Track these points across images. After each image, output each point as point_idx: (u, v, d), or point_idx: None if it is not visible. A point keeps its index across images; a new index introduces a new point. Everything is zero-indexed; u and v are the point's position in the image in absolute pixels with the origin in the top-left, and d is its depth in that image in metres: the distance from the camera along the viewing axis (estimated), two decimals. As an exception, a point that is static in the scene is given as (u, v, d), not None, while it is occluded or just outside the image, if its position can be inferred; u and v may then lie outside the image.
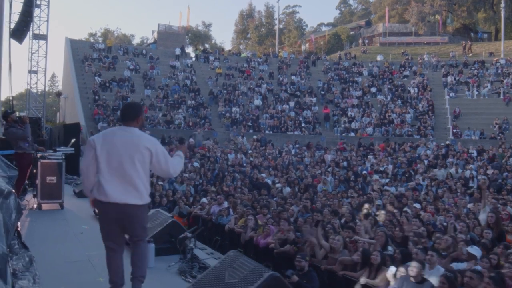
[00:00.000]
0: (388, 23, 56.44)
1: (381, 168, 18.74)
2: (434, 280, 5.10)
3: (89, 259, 5.22)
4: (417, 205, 10.65)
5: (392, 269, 5.58)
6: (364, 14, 74.05)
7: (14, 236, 4.98)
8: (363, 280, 5.68)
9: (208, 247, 7.10)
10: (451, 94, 32.34)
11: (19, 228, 5.35)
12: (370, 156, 21.47)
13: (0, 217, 3.95)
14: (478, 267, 5.51)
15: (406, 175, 17.73)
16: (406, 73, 36.82)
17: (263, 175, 15.59)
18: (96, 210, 4.33)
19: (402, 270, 5.31)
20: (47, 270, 4.62)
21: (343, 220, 9.19)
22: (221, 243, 9.18)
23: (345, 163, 20.03)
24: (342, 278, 6.17)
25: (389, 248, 6.79)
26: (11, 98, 18.31)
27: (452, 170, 17.88)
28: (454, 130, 27.95)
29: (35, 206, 8.08)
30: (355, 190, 14.46)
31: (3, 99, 26.50)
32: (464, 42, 45.60)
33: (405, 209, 10.33)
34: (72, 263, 5.05)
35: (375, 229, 7.81)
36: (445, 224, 9.22)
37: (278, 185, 14.99)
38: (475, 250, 6.06)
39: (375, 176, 16.93)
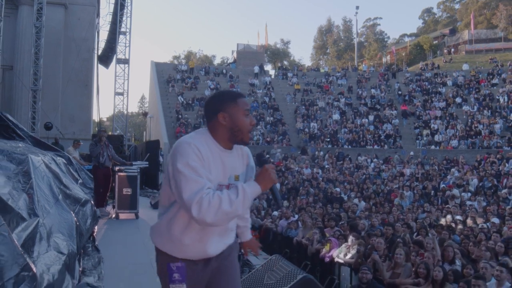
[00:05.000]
0: (474, 29, 53.62)
1: (465, 182, 17.85)
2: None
3: (151, 262, 5.62)
4: (496, 220, 10.10)
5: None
6: (450, 21, 70.75)
7: (89, 240, 5.51)
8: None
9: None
10: (545, 102, 30.13)
11: (94, 233, 5.95)
12: (453, 170, 20.53)
13: (74, 221, 4.42)
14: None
15: (493, 189, 16.77)
16: (495, 81, 34.74)
17: (338, 189, 15.51)
18: None
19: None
20: (112, 269, 5.16)
21: (415, 235, 8.96)
22: (290, 256, 9.29)
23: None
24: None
25: (457, 262, 6.56)
26: (104, 119, 20.06)
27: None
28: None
29: (113, 216, 8.86)
30: (434, 205, 13.95)
31: (97, 120, 28.80)
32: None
33: (481, 225, 9.81)
34: (135, 265, 5.60)
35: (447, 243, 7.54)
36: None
37: (355, 200, 14.81)
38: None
39: (455, 191, 16.18)
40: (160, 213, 2.46)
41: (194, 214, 2.11)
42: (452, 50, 52.98)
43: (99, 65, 20.41)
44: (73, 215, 4.38)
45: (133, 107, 74.69)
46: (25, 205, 3.42)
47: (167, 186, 2.33)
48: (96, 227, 6.21)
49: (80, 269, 4.31)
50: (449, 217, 11.05)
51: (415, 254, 6.73)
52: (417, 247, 7.16)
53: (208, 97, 2.45)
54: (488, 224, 10.26)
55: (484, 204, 14.00)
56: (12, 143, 5.98)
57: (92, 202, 5.81)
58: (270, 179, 2.25)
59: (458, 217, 11.17)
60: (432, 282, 5.80)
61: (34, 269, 2.54)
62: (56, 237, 3.71)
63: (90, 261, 4.83)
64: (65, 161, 6.54)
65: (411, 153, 25.70)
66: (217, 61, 66.59)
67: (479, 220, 10.63)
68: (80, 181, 6.78)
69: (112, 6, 19.92)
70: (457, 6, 69.43)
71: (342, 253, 7.46)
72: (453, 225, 10.17)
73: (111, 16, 20.28)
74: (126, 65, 19.18)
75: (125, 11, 19.34)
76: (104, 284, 4.42)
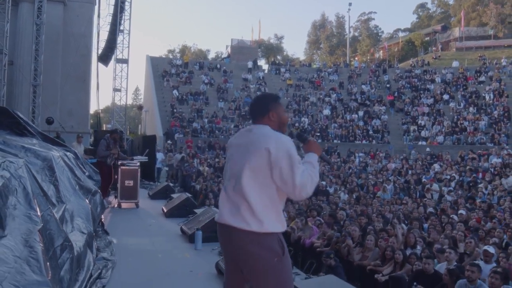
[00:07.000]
0: (465, 26, 54.31)
1: (445, 177, 18.83)
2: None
3: (152, 243, 6.86)
4: (463, 212, 11.09)
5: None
6: (444, 17, 71.08)
7: (98, 225, 6.44)
8: (385, 272, 6.52)
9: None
10: (529, 100, 31.10)
11: (102, 220, 6.93)
12: (435, 165, 21.53)
13: (89, 208, 5.31)
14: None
15: (471, 184, 17.74)
16: (482, 78, 35.59)
17: (323, 182, 16.43)
18: None
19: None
20: (120, 248, 6.16)
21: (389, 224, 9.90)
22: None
23: (409, 172, 20.32)
24: (370, 271, 7.03)
25: (418, 247, 7.54)
26: (99, 111, 21.02)
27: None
28: (531, 138, 26.98)
29: (116, 205, 9.88)
30: (412, 198, 14.93)
31: (92, 112, 29.59)
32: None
33: (452, 215, 10.79)
34: (138, 245, 6.69)
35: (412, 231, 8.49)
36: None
37: (339, 193, 15.78)
38: (491, 250, 6.66)
39: (435, 185, 17.17)
40: (255, 209, 2.65)
41: (309, 192, 2.67)
42: (440, 47, 53.59)
43: (98, 63, 21.36)
44: (88, 202, 5.28)
45: (128, 99, 74.74)
46: (54, 194, 4.32)
47: (266, 177, 2.67)
48: (102, 215, 7.18)
49: (96, 247, 5.23)
50: (421, 209, 12.03)
51: (382, 240, 7.66)
52: (385, 234, 8.10)
53: (254, 99, 3.16)
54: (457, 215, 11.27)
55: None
56: (27, 140, 6.84)
57: (100, 192, 6.73)
58: (318, 147, 2.93)
59: (430, 209, 12.15)
60: (394, 263, 6.75)
61: (72, 241, 3.41)
62: (77, 220, 4.61)
63: (102, 241, 5.80)
64: (73, 156, 7.39)
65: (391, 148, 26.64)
66: (211, 56, 67.27)
67: (450, 212, 11.58)
68: (86, 173, 7.65)
69: (112, 8, 20.80)
70: (451, 2, 69.84)
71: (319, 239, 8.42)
72: (425, 216, 11.17)
73: (111, 17, 21.10)
74: (125, 65, 20.07)
75: (124, 13, 20.17)
76: (116, 258, 5.34)
